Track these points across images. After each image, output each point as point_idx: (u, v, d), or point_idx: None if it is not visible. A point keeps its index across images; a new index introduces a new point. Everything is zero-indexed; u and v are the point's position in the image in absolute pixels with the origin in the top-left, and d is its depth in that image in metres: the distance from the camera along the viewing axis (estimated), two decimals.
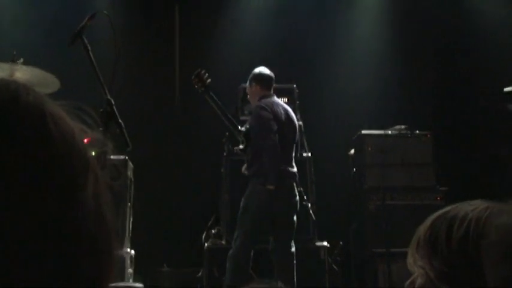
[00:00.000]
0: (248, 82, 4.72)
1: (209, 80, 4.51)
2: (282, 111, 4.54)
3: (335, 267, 5.03)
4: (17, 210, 0.63)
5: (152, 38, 6.25)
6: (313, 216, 4.91)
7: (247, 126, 4.61)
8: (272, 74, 4.69)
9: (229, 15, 6.54)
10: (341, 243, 5.29)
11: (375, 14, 6.67)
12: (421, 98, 6.52)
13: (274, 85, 4.69)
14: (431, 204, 5.22)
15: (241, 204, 4.40)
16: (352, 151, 5.76)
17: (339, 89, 6.43)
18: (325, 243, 4.91)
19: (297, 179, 4.53)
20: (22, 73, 2.99)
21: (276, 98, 4.67)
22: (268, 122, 4.38)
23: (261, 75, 4.66)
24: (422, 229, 1.08)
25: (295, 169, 4.51)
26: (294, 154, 4.60)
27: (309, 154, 5.16)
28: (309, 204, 4.86)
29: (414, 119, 5.76)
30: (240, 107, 5.42)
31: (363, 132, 5.62)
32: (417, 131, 5.61)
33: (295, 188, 4.47)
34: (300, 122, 5.03)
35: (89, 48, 3.07)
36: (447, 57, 6.70)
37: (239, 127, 4.61)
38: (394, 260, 4.94)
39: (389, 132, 5.57)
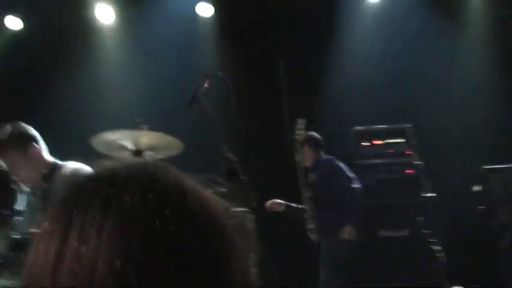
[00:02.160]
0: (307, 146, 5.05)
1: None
2: None
3: None
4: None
5: (259, 92, 6.37)
6: (440, 259, 4.70)
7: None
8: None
9: (333, 63, 6.53)
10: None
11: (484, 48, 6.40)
12: None
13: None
14: None
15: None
16: (477, 187, 5.49)
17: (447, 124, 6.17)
18: None
19: None
20: (147, 138, 3.13)
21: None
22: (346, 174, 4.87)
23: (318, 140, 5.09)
24: None
25: None
26: None
27: (433, 194, 5.00)
28: (436, 247, 4.67)
29: None
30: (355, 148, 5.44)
31: (486, 167, 5.34)
32: None
33: None
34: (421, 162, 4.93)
35: (207, 110, 3.18)
36: None
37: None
38: None
39: None
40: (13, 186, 2.74)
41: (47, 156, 3.66)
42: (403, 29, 6.33)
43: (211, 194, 0.75)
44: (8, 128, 3.46)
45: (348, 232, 4.77)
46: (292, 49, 6.38)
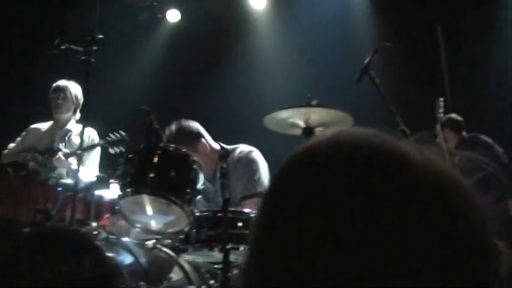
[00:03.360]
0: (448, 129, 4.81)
1: None
2: None
3: None
4: None
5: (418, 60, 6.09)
6: None
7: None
8: None
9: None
10: None
11: None
12: None
13: None
14: None
15: None
16: None
17: None
18: None
19: None
20: (317, 114, 3.10)
21: None
22: None
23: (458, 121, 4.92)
24: None
25: None
26: None
27: None
28: None
29: None
30: None
31: None
32: None
33: None
34: None
35: (377, 82, 3.09)
36: None
37: None
38: None
39: None
40: (195, 167, 2.86)
41: (214, 145, 3.81)
42: None
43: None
44: (174, 128, 3.66)
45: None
46: (451, 15, 6.02)
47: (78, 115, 4.44)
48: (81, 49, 3.22)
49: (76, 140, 4.25)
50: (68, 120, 4.38)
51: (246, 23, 6.50)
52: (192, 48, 6.56)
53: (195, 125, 3.80)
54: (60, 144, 4.19)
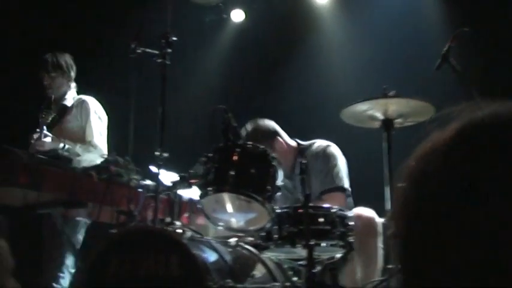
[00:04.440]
0: None
1: None
2: None
3: None
4: None
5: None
6: None
7: None
8: None
9: None
10: None
11: None
12: None
13: None
14: None
15: None
16: None
17: None
18: None
19: None
20: (395, 105, 3.03)
21: None
22: None
23: None
24: None
25: None
26: None
27: None
28: None
29: None
30: None
31: None
32: None
33: None
34: None
35: (458, 69, 2.99)
36: None
37: None
38: None
39: None
40: (274, 163, 2.86)
41: (291, 142, 3.80)
42: None
43: None
44: (250, 126, 3.68)
45: None
46: None
47: (73, 86, 4.30)
48: (156, 52, 3.28)
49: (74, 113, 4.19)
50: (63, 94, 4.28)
51: (311, 18, 6.45)
52: (259, 46, 6.58)
53: (271, 124, 3.81)
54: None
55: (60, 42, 5.18)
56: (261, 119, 3.81)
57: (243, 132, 3.58)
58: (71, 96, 4.29)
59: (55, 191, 3.26)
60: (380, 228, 3.29)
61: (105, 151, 4.05)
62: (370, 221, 3.31)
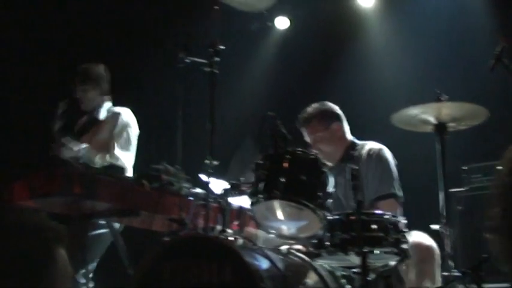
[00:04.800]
0: None
1: None
2: None
3: None
4: None
5: None
6: None
7: None
8: None
9: None
10: None
11: None
12: None
13: None
14: None
15: None
16: None
17: None
18: None
19: None
20: (449, 109, 2.98)
21: None
22: None
23: None
24: None
25: None
26: None
27: None
28: None
29: None
30: None
31: None
32: None
33: None
34: None
35: None
36: None
37: None
38: None
39: None
40: (325, 169, 2.84)
41: (349, 135, 3.80)
42: None
43: None
44: (316, 104, 3.74)
45: None
46: None
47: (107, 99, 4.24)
48: (205, 61, 3.30)
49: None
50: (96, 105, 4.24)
51: (357, 23, 6.40)
52: (304, 53, 6.56)
53: (336, 107, 3.84)
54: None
55: (107, 53, 5.29)
56: (327, 102, 3.86)
57: (308, 110, 3.73)
58: (105, 109, 4.25)
59: (108, 201, 3.31)
60: (438, 256, 3.22)
61: (127, 164, 4.02)
62: (429, 251, 3.24)
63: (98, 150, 3.96)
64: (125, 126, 4.14)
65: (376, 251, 2.74)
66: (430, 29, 5.65)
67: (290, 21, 6.84)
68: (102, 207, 3.32)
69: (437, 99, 2.95)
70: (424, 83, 4.65)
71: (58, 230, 1.50)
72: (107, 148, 4.02)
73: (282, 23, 6.87)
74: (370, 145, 3.71)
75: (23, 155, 4.68)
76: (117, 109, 4.24)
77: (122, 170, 3.64)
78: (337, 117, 3.80)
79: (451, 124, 3.04)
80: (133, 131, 4.18)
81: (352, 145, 3.74)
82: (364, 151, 3.67)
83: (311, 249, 2.92)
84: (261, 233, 3.23)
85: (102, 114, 4.23)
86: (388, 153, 3.64)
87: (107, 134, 4.11)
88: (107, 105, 4.27)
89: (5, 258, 1.35)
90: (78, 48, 5.66)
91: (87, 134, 4.18)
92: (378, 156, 3.61)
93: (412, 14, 5.92)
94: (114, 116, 4.17)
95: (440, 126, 3.00)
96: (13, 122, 5.22)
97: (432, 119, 3.03)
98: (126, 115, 4.19)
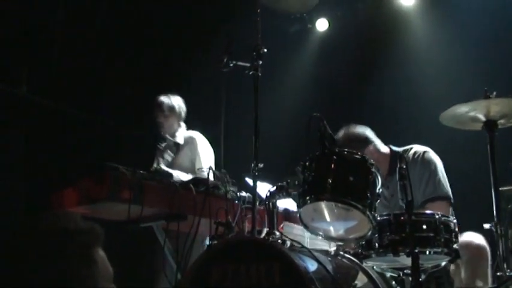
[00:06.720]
0: None
1: None
2: None
3: None
4: None
5: None
6: None
7: None
8: None
9: None
10: None
11: None
12: None
13: None
14: None
15: None
16: None
17: None
18: None
19: None
20: (498, 106, 2.92)
21: None
22: None
23: None
24: None
25: None
26: None
27: None
28: None
29: None
30: None
31: None
32: None
33: None
34: None
35: None
36: None
37: None
38: None
39: None
40: (373, 170, 2.79)
41: (384, 149, 3.72)
42: None
43: None
44: (341, 134, 3.65)
45: None
46: None
47: (183, 125, 4.88)
48: (248, 64, 3.30)
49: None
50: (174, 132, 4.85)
51: (398, 22, 6.32)
52: (345, 54, 6.53)
53: (362, 130, 3.75)
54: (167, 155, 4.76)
55: (154, 63, 5.39)
56: (353, 125, 3.76)
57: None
58: (181, 134, 4.87)
59: (156, 205, 3.34)
60: (489, 255, 3.15)
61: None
62: (480, 250, 3.17)
63: (186, 172, 4.49)
64: (203, 146, 4.77)
65: (427, 252, 2.69)
66: (475, 24, 5.52)
67: (329, 22, 6.82)
68: (149, 211, 3.36)
69: (486, 96, 2.88)
70: (471, 80, 4.56)
71: (94, 231, 1.51)
72: (193, 167, 4.61)
73: (321, 24, 6.87)
74: (415, 149, 3.65)
75: (73, 162, 4.81)
76: (192, 134, 4.89)
77: (169, 174, 3.68)
78: (365, 141, 3.71)
79: (501, 121, 2.97)
80: (209, 149, 4.79)
81: (394, 155, 3.67)
82: (409, 155, 3.62)
83: (360, 250, 2.88)
84: (307, 235, 3.21)
85: (180, 139, 4.87)
86: (433, 155, 3.58)
87: (189, 157, 4.74)
88: (183, 130, 4.92)
89: (45, 264, 1.37)
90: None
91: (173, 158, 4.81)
92: (422, 159, 3.55)
93: (455, 10, 5.82)
94: (191, 140, 4.82)
95: (490, 124, 2.94)
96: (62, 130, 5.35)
97: (481, 116, 2.97)
98: (200, 138, 4.84)
